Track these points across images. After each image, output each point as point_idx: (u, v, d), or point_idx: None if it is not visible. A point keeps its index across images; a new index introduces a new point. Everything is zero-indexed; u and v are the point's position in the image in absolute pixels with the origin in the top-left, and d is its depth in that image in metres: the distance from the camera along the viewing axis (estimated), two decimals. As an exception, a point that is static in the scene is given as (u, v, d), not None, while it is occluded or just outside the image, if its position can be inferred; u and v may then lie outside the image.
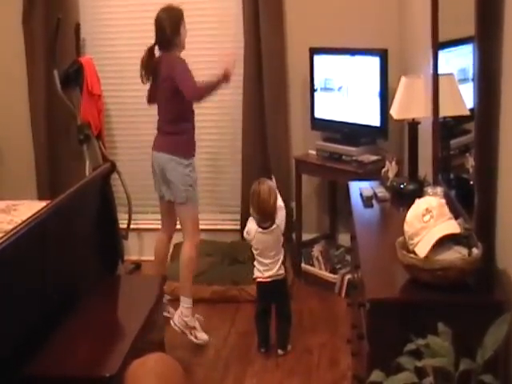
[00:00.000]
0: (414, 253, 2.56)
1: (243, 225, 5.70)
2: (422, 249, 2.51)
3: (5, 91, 6.16)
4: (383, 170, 4.11)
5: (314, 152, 5.58)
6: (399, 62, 5.29)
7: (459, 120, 3.34)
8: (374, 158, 5.20)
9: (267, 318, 4.60)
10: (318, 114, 5.63)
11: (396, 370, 2.18)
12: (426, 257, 2.49)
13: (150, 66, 4.61)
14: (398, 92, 4.04)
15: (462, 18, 2.93)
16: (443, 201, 2.69)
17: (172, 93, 4.52)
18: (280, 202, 4.53)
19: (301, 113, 5.84)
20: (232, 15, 5.87)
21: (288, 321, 4.62)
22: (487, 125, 2.62)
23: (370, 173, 4.85)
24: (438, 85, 3.56)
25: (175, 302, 4.86)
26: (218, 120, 6.07)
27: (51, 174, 6.14)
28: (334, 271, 5.46)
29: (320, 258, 5.57)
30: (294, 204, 5.68)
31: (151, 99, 4.78)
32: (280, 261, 4.51)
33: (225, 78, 4.56)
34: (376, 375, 2.23)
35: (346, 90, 5.41)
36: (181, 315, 4.64)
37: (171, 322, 4.64)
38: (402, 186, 3.89)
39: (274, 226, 4.47)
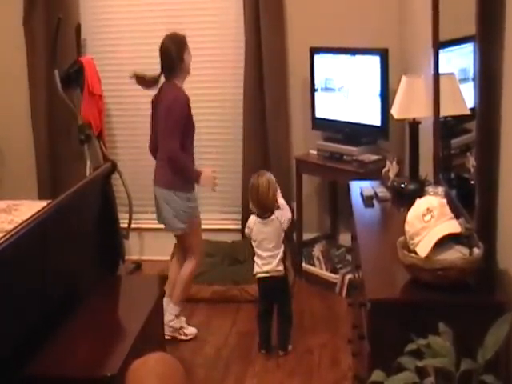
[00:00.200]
0: (414, 252, 2.55)
1: (244, 225, 5.70)
2: (423, 249, 2.51)
3: (6, 91, 6.16)
4: (384, 170, 4.11)
5: (314, 152, 5.58)
6: (400, 61, 5.29)
7: (460, 119, 3.33)
8: (374, 157, 5.20)
9: (269, 318, 4.59)
10: (318, 114, 5.62)
11: (397, 370, 2.17)
12: (427, 257, 2.49)
13: (150, 87, 4.62)
14: (399, 92, 4.03)
15: (463, 18, 2.93)
16: (444, 200, 2.69)
17: (170, 124, 4.49)
18: (283, 201, 4.53)
19: (301, 112, 5.83)
20: (233, 15, 5.87)
21: (289, 321, 4.61)
22: (488, 124, 2.62)
23: (371, 172, 4.85)
24: (439, 84, 3.56)
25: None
26: (219, 120, 6.07)
27: (52, 174, 6.14)
28: (334, 271, 5.46)
29: (321, 257, 5.57)
30: (294, 204, 5.68)
31: (153, 144, 4.73)
32: (279, 256, 4.49)
33: (197, 183, 4.59)
34: (377, 375, 2.23)
35: (347, 90, 5.41)
36: (166, 323, 4.59)
37: None
38: (402, 185, 3.89)
39: (273, 217, 4.47)
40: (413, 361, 2.15)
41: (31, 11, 5.94)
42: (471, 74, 2.88)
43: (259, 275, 4.53)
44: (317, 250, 5.63)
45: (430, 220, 2.54)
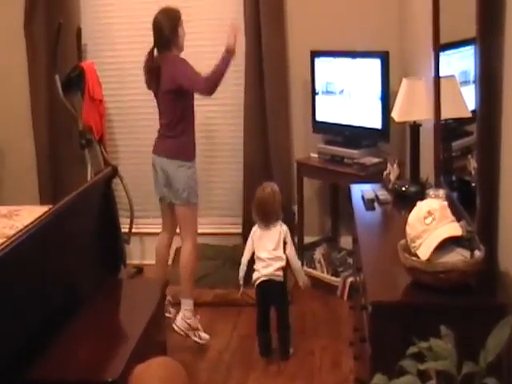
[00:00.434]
0: (416, 255, 2.55)
1: (245, 228, 5.71)
2: (424, 251, 2.51)
3: (7, 95, 6.16)
4: (385, 173, 4.11)
5: (315, 155, 5.58)
6: (400, 64, 5.29)
7: (461, 122, 3.34)
8: (375, 160, 5.19)
9: (267, 325, 4.57)
10: (319, 117, 5.63)
11: (398, 374, 2.17)
12: (428, 259, 2.49)
13: (153, 69, 4.61)
14: (400, 94, 4.03)
15: (463, 20, 2.93)
16: (445, 203, 2.69)
17: (173, 93, 4.52)
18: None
19: (302, 115, 5.84)
20: (233, 18, 5.86)
21: (287, 329, 4.59)
22: (489, 127, 2.62)
23: (372, 175, 4.85)
24: (440, 87, 3.55)
25: (175, 306, 4.87)
26: (219, 124, 6.07)
27: (53, 179, 6.14)
28: (336, 274, 5.46)
29: (322, 260, 5.57)
30: (295, 207, 5.68)
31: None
32: (279, 263, 4.49)
33: (229, 52, 4.53)
34: (378, 378, 2.22)
35: (348, 93, 5.41)
36: (183, 318, 4.64)
37: (174, 325, 4.64)
38: (403, 188, 3.89)
39: (277, 225, 4.50)
40: (414, 364, 2.15)
41: (32, 15, 5.95)
42: (472, 77, 2.88)
43: (258, 280, 4.52)
44: (318, 253, 5.63)
45: (431, 223, 2.54)
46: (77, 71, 5.70)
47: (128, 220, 5.82)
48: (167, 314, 4.65)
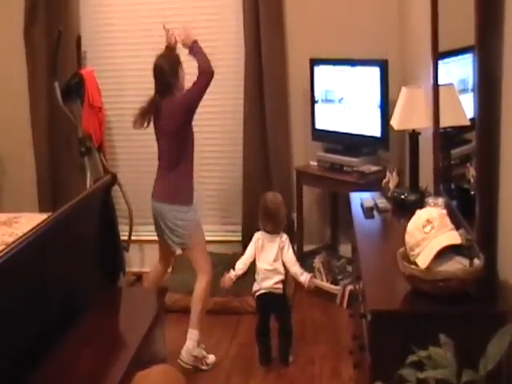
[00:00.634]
0: (415, 264, 2.55)
1: (245, 236, 5.71)
2: (423, 260, 2.51)
3: (6, 103, 6.17)
4: (384, 181, 4.11)
5: (314, 163, 5.58)
6: (399, 72, 5.30)
7: (460, 130, 3.34)
8: (374, 168, 5.20)
9: (267, 333, 4.57)
10: (318, 125, 5.63)
11: (398, 382, 2.17)
12: (428, 268, 2.49)
13: (150, 112, 4.60)
14: (399, 102, 4.04)
15: (462, 28, 2.93)
16: (444, 211, 2.69)
17: (174, 132, 4.49)
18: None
19: (302, 123, 5.84)
20: (233, 26, 5.88)
21: (289, 336, 4.58)
22: (488, 135, 2.62)
23: (371, 183, 4.85)
24: (439, 95, 3.56)
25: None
26: (219, 132, 6.08)
27: (52, 186, 6.15)
28: (335, 282, 5.46)
29: (321, 268, 5.57)
30: (295, 215, 5.68)
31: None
32: (280, 276, 4.49)
33: (194, 47, 4.57)
34: (378, 387, 2.23)
35: (347, 101, 5.42)
36: (188, 351, 4.53)
37: (179, 361, 4.51)
38: (402, 196, 3.89)
39: (281, 237, 4.51)
40: (414, 372, 2.15)
41: (32, 23, 5.96)
42: (470, 85, 2.89)
43: (257, 293, 4.52)
44: (317, 261, 5.63)
45: (431, 231, 2.54)
46: (76, 78, 5.70)
47: (127, 227, 5.83)
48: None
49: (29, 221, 4.38)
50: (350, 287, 5.18)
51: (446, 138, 3.58)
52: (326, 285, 5.49)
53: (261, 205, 4.58)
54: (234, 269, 4.59)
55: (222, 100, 5.98)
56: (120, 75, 6.06)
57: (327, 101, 5.55)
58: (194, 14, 5.88)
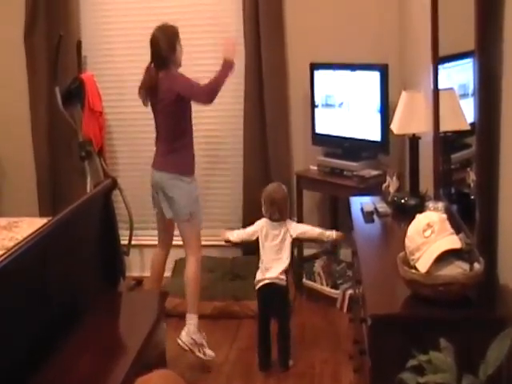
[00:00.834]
0: (415, 268, 2.55)
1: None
2: (423, 264, 2.51)
3: (7, 107, 6.18)
4: (384, 185, 4.11)
5: (315, 167, 5.58)
6: (399, 77, 5.30)
7: (460, 134, 3.34)
8: (375, 172, 5.20)
9: (267, 336, 4.55)
10: (318, 129, 5.64)
11: (398, 386, 2.17)
12: (428, 272, 2.49)
13: (151, 85, 4.62)
14: (399, 107, 4.04)
15: (462, 33, 2.93)
16: (444, 216, 2.69)
17: (172, 108, 4.53)
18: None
19: (302, 128, 5.84)
20: (233, 31, 5.89)
21: (287, 338, 4.56)
22: (488, 139, 2.62)
23: (371, 188, 4.85)
24: (439, 100, 3.56)
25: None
26: (219, 136, 6.09)
27: (53, 191, 6.15)
28: (335, 286, 5.46)
29: (321, 273, 5.57)
30: (295, 219, 5.67)
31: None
32: (283, 265, 4.48)
33: (227, 66, 4.55)
34: (378, 391, 2.23)
35: (347, 105, 5.42)
36: (188, 333, 4.61)
37: (178, 340, 4.58)
38: (403, 200, 3.89)
39: (284, 223, 4.52)
40: (414, 377, 2.15)
41: (32, 28, 5.97)
42: (470, 90, 2.89)
43: (260, 283, 4.50)
44: (317, 266, 5.62)
45: (431, 235, 2.54)
46: (76, 83, 5.71)
47: (127, 232, 5.82)
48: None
49: (29, 225, 4.39)
50: (350, 291, 5.18)
51: (446, 143, 3.58)
52: (326, 289, 5.48)
53: (265, 194, 4.58)
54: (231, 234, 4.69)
55: (223, 104, 5.96)
56: (120, 80, 6.06)
57: (327, 105, 5.55)
58: (194, 19, 5.89)
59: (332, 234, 4.59)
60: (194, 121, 4.66)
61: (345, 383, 4.32)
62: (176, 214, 4.64)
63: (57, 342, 3.43)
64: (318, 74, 5.57)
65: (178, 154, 4.61)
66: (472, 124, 2.81)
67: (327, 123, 5.57)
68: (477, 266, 2.52)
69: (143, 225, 5.99)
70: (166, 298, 4.35)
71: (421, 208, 3.29)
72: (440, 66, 3.57)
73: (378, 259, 3.26)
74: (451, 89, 3.43)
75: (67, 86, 5.72)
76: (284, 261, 4.50)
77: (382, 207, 3.88)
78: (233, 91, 5.87)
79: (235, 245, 4.88)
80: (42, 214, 5.76)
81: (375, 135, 5.21)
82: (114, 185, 4.61)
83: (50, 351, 3.34)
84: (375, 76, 5.16)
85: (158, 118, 4.67)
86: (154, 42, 4.56)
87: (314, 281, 5.59)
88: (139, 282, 5.94)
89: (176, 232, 4.88)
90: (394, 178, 4.06)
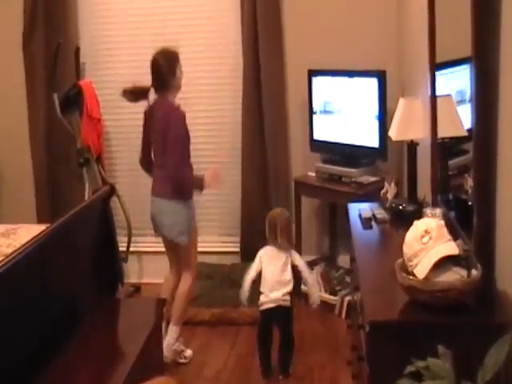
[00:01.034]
0: (413, 274, 2.55)
1: (243, 247, 5.71)
2: (421, 270, 2.51)
3: (5, 114, 6.18)
4: (382, 192, 4.11)
5: (313, 174, 5.59)
6: (397, 83, 5.31)
7: (457, 141, 3.34)
8: (373, 179, 5.21)
9: (269, 343, 4.54)
10: (317, 136, 5.64)
11: (396, 393, 2.17)
12: (425, 278, 2.49)
13: (139, 97, 4.64)
14: (397, 113, 4.05)
15: (459, 39, 2.94)
16: (442, 222, 2.69)
17: (165, 139, 4.50)
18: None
19: (300, 135, 5.85)
20: (231, 37, 5.90)
21: (290, 347, 4.56)
22: (485, 145, 2.63)
23: (370, 194, 4.86)
24: (436, 106, 3.57)
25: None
26: (218, 142, 6.09)
27: (51, 197, 6.15)
28: (334, 293, 5.46)
29: (320, 279, 5.57)
30: (293, 226, 5.67)
31: (144, 156, 4.78)
32: (288, 287, 4.47)
33: (200, 187, 4.58)
34: (376, 397, 2.23)
35: (345, 112, 5.43)
36: (168, 345, 4.58)
37: None
38: (401, 207, 3.89)
39: (288, 250, 4.52)
40: (412, 383, 2.15)
41: (31, 35, 5.98)
42: (468, 97, 2.89)
43: (264, 306, 4.46)
44: (316, 272, 5.62)
45: (428, 242, 2.54)
46: (75, 90, 5.71)
47: (126, 238, 5.82)
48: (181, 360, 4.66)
49: (27, 232, 4.38)
50: (348, 298, 5.18)
51: (444, 149, 3.59)
52: (325, 295, 5.48)
53: (269, 221, 4.56)
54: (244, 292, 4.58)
55: (221, 111, 5.99)
56: (119, 86, 5.99)
57: (325, 112, 5.56)
58: (193, 25, 5.90)
59: (317, 300, 4.63)
60: (191, 127, 4.63)
61: (343, 389, 4.32)
62: (175, 237, 4.63)
63: (55, 349, 3.42)
64: (316, 81, 5.58)
65: (176, 183, 4.57)
66: (469, 130, 2.81)
67: (325, 130, 5.58)
68: (474, 272, 2.52)
69: (141, 231, 5.99)
70: (164, 305, 4.34)
71: (419, 214, 3.29)
72: (437, 73, 3.58)
73: (376, 265, 3.26)
74: (449, 95, 3.44)
75: (65, 93, 5.72)
76: (288, 282, 4.48)
77: (380, 213, 3.89)
78: (231, 98, 5.89)
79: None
80: (40, 221, 5.75)
81: (373, 141, 5.22)
82: (113, 191, 4.61)
83: (48, 358, 3.33)
84: (373, 82, 5.17)
85: (155, 146, 4.64)
86: (155, 66, 4.53)
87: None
88: (137, 288, 5.94)
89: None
90: (392, 184, 4.07)
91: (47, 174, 6.14)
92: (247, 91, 5.81)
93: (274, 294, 4.45)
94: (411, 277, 2.55)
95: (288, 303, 4.49)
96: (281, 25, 5.76)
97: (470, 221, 2.75)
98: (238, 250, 5.92)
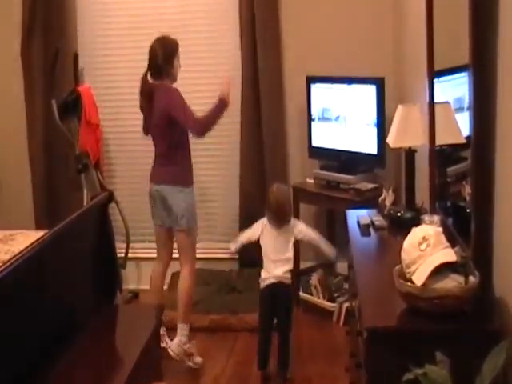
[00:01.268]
0: (411, 281, 2.56)
1: (241, 254, 5.70)
2: (419, 277, 2.51)
3: (3, 120, 6.19)
4: (380, 198, 4.12)
5: (311, 180, 5.59)
6: (396, 90, 5.32)
7: (455, 148, 3.35)
8: (371, 186, 5.21)
9: (269, 339, 4.51)
10: (315, 143, 5.65)
11: (394, 400, 2.17)
12: (423, 285, 2.49)
13: (146, 93, 4.65)
14: (395, 120, 4.05)
15: (458, 47, 2.95)
16: (440, 229, 2.70)
17: (168, 122, 4.54)
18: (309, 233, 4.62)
19: (298, 141, 5.86)
20: (229, 44, 5.91)
21: (287, 350, 4.54)
22: (483, 152, 2.64)
23: (368, 201, 4.86)
24: (434, 113, 3.58)
25: (171, 331, 4.85)
26: (216, 149, 6.09)
27: (49, 203, 6.15)
28: (332, 299, 5.45)
29: (318, 286, 5.56)
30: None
31: (147, 130, 4.84)
32: (289, 265, 4.49)
33: (221, 105, 4.58)
34: (374, 404, 2.23)
35: (343, 119, 5.44)
36: (179, 343, 4.63)
37: (169, 350, 4.64)
38: (399, 214, 3.90)
39: (289, 226, 4.50)
40: (410, 390, 2.15)
41: (29, 40, 5.99)
42: (466, 104, 2.90)
43: (267, 281, 4.45)
44: (314, 279, 5.62)
45: (426, 249, 2.55)
46: (73, 95, 5.70)
47: (124, 245, 5.81)
48: (163, 344, 4.63)
49: (25, 238, 4.38)
50: (346, 304, 5.17)
51: (442, 156, 3.59)
52: (323, 302, 5.48)
53: (268, 198, 4.57)
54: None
55: (222, 115, 5.99)
56: (117, 92, 6.08)
57: (324, 119, 5.57)
58: (191, 32, 5.90)
59: (331, 251, 4.65)
60: (190, 134, 4.66)
61: (341, 396, 4.32)
62: (175, 224, 4.66)
63: (53, 355, 3.42)
64: (315, 88, 5.59)
65: (178, 166, 4.63)
66: (467, 137, 2.82)
67: (324, 136, 5.59)
68: (472, 279, 2.53)
69: (140, 237, 6.00)
70: (163, 311, 4.34)
71: (417, 221, 3.29)
72: (436, 80, 3.59)
73: (374, 272, 3.26)
74: (447, 102, 3.44)
75: (64, 99, 5.71)
76: (289, 260, 4.49)
77: (378, 220, 3.89)
78: (230, 104, 5.88)
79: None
80: (38, 227, 5.75)
81: (371, 148, 5.22)
82: (111, 198, 4.60)
83: (46, 364, 3.33)
84: (371, 89, 5.18)
85: (154, 132, 4.69)
86: (151, 52, 4.62)
87: (311, 294, 5.59)
88: (136, 294, 5.94)
89: (173, 245, 4.89)
90: (390, 191, 4.07)
91: (45, 179, 6.14)
92: (246, 98, 5.82)
93: (276, 270, 4.45)
94: (409, 283, 2.55)
95: (289, 281, 4.49)
96: (279, 32, 5.77)
97: (467, 228, 2.76)
98: (235, 256, 5.91)
